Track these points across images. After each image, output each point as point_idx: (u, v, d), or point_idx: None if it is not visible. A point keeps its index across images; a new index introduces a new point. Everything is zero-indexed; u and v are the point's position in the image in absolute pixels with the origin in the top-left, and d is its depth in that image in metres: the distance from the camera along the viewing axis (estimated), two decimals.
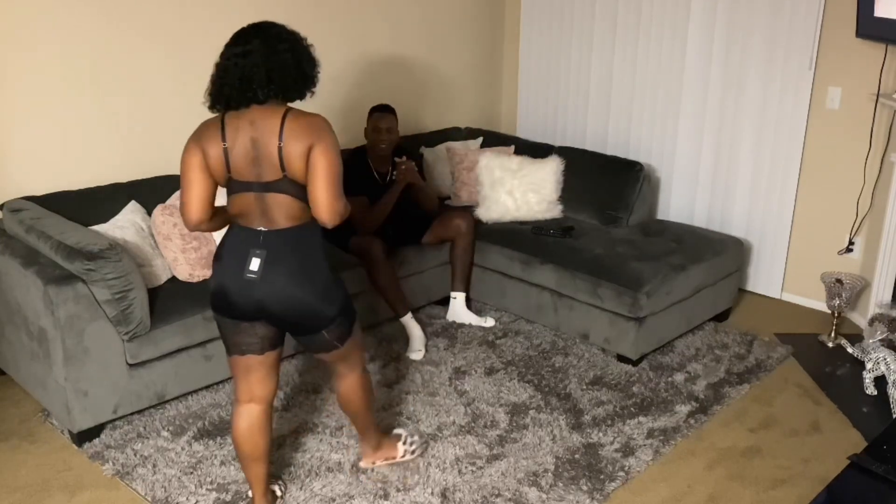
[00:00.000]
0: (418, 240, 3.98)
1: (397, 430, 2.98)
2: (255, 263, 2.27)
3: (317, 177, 2.21)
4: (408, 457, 2.88)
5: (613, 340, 3.65)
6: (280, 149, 2.20)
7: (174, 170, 3.74)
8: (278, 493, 2.70)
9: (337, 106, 4.40)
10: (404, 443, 2.88)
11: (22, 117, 3.33)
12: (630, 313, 3.53)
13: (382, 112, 3.85)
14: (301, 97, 2.30)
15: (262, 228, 2.29)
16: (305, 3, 4.13)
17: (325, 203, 2.23)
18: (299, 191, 2.26)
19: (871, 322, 3.66)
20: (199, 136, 2.26)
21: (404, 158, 3.86)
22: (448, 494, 2.73)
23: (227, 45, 2.24)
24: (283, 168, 2.22)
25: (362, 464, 2.86)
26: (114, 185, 3.51)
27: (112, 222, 3.32)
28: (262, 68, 2.18)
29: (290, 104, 2.29)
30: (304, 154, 2.20)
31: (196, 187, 2.26)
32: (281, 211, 2.27)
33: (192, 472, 2.83)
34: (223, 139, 2.23)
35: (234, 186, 2.29)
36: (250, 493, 2.61)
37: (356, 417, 2.74)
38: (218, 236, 3.45)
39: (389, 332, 3.90)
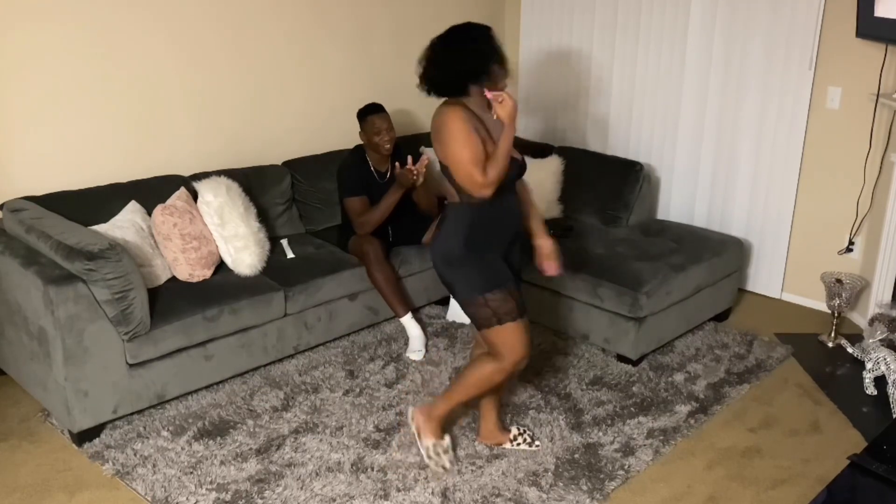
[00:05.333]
0: (418, 240, 3.98)
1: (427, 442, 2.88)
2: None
3: None
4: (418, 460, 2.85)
5: (613, 340, 3.65)
6: None
7: (174, 170, 3.77)
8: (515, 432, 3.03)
9: (337, 106, 4.40)
10: (427, 453, 2.84)
11: (22, 117, 3.33)
12: (630, 313, 3.53)
13: (377, 112, 3.73)
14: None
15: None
16: (309, 3, 4.13)
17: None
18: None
19: (871, 322, 3.66)
20: None
21: (425, 159, 3.68)
22: (448, 494, 2.73)
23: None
24: None
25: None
26: (114, 185, 3.51)
27: (112, 222, 3.32)
28: None
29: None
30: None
31: None
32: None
33: (191, 472, 2.83)
34: None
35: None
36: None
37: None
38: (216, 239, 3.46)
39: (389, 332, 3.90)
